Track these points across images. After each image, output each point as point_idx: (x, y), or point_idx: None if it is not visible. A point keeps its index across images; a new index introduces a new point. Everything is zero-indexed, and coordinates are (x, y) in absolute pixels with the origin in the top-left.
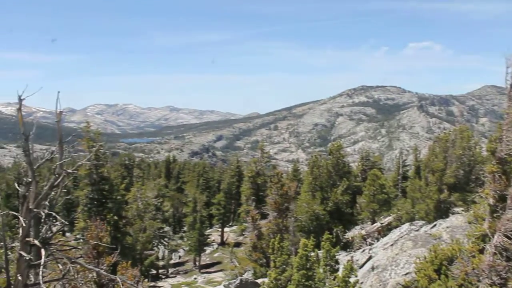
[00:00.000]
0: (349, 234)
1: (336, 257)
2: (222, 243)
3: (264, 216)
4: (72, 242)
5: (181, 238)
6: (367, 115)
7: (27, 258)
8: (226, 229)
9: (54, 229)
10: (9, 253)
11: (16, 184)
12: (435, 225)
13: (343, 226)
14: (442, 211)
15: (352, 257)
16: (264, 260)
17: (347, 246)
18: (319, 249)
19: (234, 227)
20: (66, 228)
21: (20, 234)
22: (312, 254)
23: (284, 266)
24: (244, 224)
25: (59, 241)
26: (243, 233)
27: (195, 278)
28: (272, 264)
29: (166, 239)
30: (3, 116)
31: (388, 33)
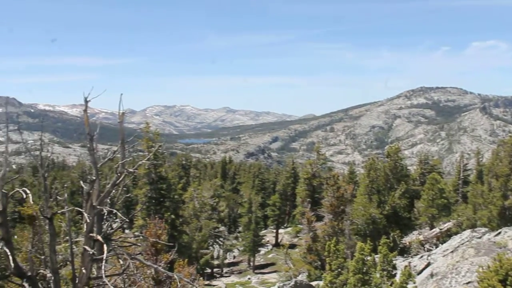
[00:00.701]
0: (406, 239)
1: (394, 262)
2: (277, 244)
3: (319, 218)
4: (131, 239)
5: (236, 238)
6: (426, 117)
7: (91, 253)
8: (280, 231)
9: (114, 225)
10: (74, 246)
11: (81, 182)
12: (499, 232)
13: (400, 230)
14: (506, 219)
15: (409, 262)
16: (319, 263)
17: (404, 251)
18: (376, 253)
19: (289, 229)
20: (125, 225)
21: (85, 229)
22: (369, 258)
23: (340, 270)
24: (299, 226)
25: (120, 237)
26: (298, 235)
27: (249, 278)
28: (327, 267)
29: (221, 239)
30: (69, 117)
31: (449, 32)
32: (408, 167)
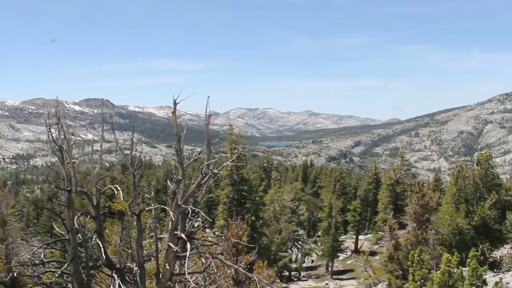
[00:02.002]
0: (497, 253)
1: (484, 277)
2: (356, 251)
3: (402, 226)
4: (212, 238)
5: (315, 242)
6: None
7: (175, 250)
8: (360, 237)
9: (196, 224)
10: (158, 243)
11: (168, 181)
12: None
13: (490, 243)
14: None
15: (501, 279)
16: (400, 272)
17: (494, 266)
18: (463, 266)
19: (369, 235)
20: (206, 225)
21: (170, 227)
22: (456, 270)
23: (424, 281)
24: (379, 232)
25: (202, 236)
26: (378, 242)
27: (326, 284)
28: (410, 277)
29: (300, 242)
30: (156, 118)
31: None
32: (500, 176)
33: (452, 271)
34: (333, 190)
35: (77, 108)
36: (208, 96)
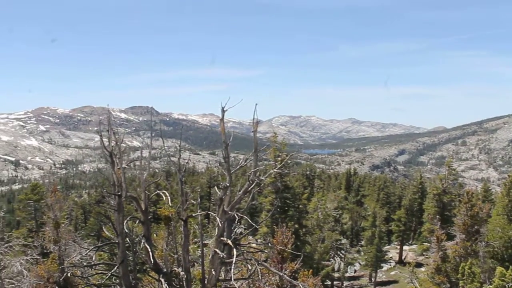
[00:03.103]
0: None
1: None
2: (400, 261)
3: (450, 237)
4: (256, 245)
5: (358, 251)
6: None
7: (221, 256)
8: (405, 247)
9: (238, 231)
10: (204, 249)
11: (216, 188)
12: None
13: None
14: None
15: None
16: (448, 285)
17: None
18: None
19: (414, 246)
20: (248, 232)
21: (216, 233)
22: (511, 285)
23: None
24: (425, 243)
25: (248, 243)
26: (424, 253)
27: None
28: None
29: (343, 251)
30: (199, 125)
31: None
32: None
33: (507, 286)
34: (377, 199)
35: (123, 115)
36: (256, 104)
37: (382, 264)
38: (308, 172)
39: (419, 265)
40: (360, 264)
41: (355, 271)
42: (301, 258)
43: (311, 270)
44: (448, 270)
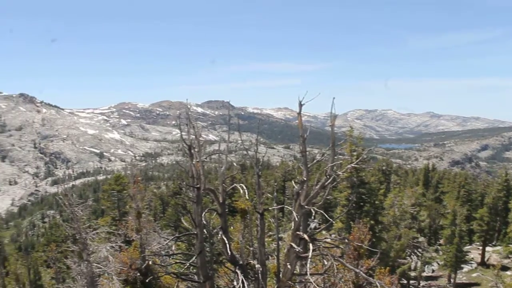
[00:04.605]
0: None
1: None
2: (483, 263)
3: None
4: (331, 240)
5: (436, 251)
6: None
7: (297, 250)
8: (488, 248)
9: (312, 225)
10: (280, 243)
11: (292, 182)
12: None
13: None
14: None
15: None
16: None
17: None
18: None
19: (498, 247)
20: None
21: (292, 227)
22: None
23: None
24: (511, 245)
25: (324, 238)
26: (510, 255)
27: None
28: None
29: (420, 250)
30: (274, 119)
31: None
32: None
33: None
34: (457, 197)
35: (199, 110)
36: (334, 98)
37: (462, 265)
38: (384, 167)
39: (504, 268)
40: (438, 264)
41: (433, 271)
42: (377, 255)
43: (387, 267)
44: None
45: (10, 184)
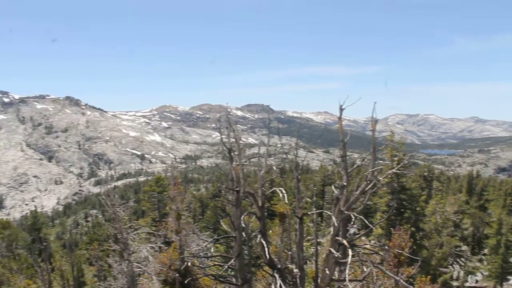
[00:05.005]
0: None
1: None
2: None
3: None
4: (371, 246)
5: (480, 260)
6: None
7: (336, 255)
8: None
9: (351, 231)
10: (318, 247)
11: (332, 187)
12: None
13: None
14: None
15: None
16: None
17: None
18: None
19: None
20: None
21: (331, 232)
22: None
23: None
24: None
25: (364, 244)
26: None
27: None
28: None
29: (463, 259)
30: (313, 123)
31: None
32: None
33: None
34: (503, 205)
35: (239, 113)
36: (375, 102)
37: (508, 277)
38: (426, 173)
39: None
40: (482, 274)
41: (477, 281)
42: (418, 263)
43: (428, 276)
44: None
45: (56, 184)
